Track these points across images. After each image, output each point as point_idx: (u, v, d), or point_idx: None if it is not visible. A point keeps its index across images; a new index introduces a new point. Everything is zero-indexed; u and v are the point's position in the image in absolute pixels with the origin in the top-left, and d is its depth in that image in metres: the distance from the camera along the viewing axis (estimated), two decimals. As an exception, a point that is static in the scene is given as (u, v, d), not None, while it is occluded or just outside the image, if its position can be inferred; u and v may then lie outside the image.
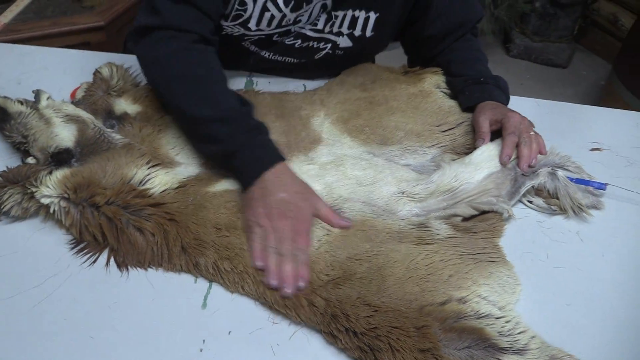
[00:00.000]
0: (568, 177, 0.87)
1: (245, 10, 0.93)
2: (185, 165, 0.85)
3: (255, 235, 0.73)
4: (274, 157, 0.80)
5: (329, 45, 1.02)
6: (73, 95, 0.98)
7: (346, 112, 0.97)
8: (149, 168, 0.81)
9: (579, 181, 0.88)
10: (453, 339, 0.64)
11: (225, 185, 0.81)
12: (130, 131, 0.89)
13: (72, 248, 0.75)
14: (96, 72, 0.98)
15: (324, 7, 0.95)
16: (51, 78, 1.07)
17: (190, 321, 0.67)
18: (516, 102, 1.01)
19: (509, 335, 0.65)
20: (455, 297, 0.68)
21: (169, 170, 0.82)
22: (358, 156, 0.89)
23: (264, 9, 0.92)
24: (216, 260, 0.71)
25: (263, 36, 0.99)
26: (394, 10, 1.00)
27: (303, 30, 0.99)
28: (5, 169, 0.80)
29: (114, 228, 0.74)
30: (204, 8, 0.88)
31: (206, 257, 0.71)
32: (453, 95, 1.03)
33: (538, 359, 0.63)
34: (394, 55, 1.28)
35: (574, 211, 0.85)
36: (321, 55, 1.04)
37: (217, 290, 0.71)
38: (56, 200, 0.75)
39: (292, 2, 0.92)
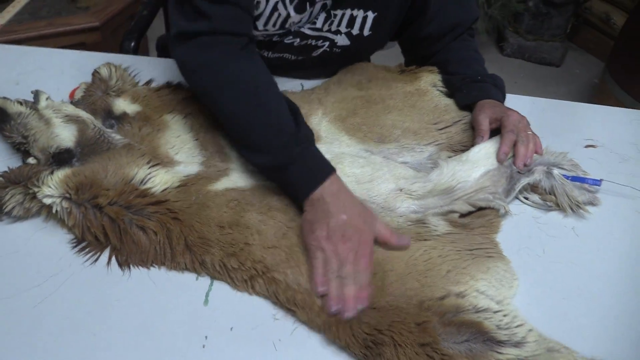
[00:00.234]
0: (563, 175, 0.88)
1: (257, 8, 0.93)
2: (185, 164, 0.85)
3: (317, 261, 0.71)
4: (327, 168, 0.78)
5: (327, 44, 1.03)
6: (72, 95, 0.98)
7: (344, 110, 0.97)
8: (149, 167, 0.81)
9: (574, 179, 0.89)
10: (452, 333, 0.65)
11: (226, 183, 0.82)
12: (129, 131, 0.89)
13: (74, 247, 0.75)
14: (95, 73, 0.98)
15: (323, 6, 0.96)
16: (49, 78, 1.08)
17: (192, 318, 0.67)
18: (511, 100, 1.02)
19: (506, 328, 0.66)
20: (453, 292, 0.69)
21: (169, 169, 0.83)
22: (356, 154, 0.90)
23: (274, 9, 0.93)
24: (222, 257, 0.71)
25: (265, 37, 1.00)
26: (392, 10, 1.01)
27: (302, 29, 1.00)
28: (6, 169, 0.80)
29: (117, 228, 0.75)
30: (243, 4, 0.85)
31: (212, 254, 0.72)
32: (449, 94, 1.05)
33: (535, 351, 0.64)
34: (390, 55, 1.29)
35: (571, 209, 0.86)
36: (319, 53, 1.05)
37: (219, 287, 0.71)
38: (58, 200, 0.75)
39: (298, 4, 0.92)
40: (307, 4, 0.93)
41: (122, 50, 1.27)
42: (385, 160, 0.89)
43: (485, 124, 0.91)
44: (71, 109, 0.88)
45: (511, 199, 0.87)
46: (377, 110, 0.98)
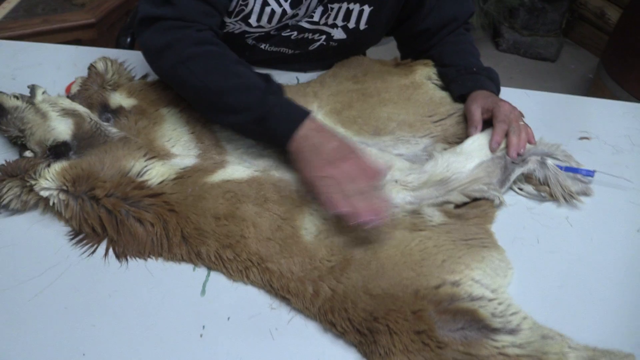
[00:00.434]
0: (557, 166, 0.89)
1: (246, 5, 0.94)
2: (181, 157, 0.86)
3: (328, 187, 0.74)
4: (303, 110, 0.82)
5: (324, 37, 1.03)
6: (68, 89, 0.99)
7: (339, 103, 0.98)
8: (146, 160, 0.82)
9: (567, 169, 0.90)
10: (447, 321, 0.65)
11: (222, 175, 0.82)
12: (125, 124, 0.90)
13: (71, 239, 0.75)
14: (91, 67, 0.98)
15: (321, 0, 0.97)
16: (45, 74, 1.08)
17: (190, 308, 0.68)
18: (506, 93, 1.03)
19: (501, 316, 0.67)
20: (449, 281, 0.70)
21: (166, 161, 0.83)
22: (352, 146, 0.90)
23: (265, 3, 0.94)
24: (218, 248, 0.72)
25: (263, 33, 1.00)
26: (388, 5, 1.02)
27: (299, 23, 1.00)
28: (3, 163, 0.80)
29: (114, 220, 0.75)
30: (214, 3, 0.89)
31: (208, 246, 0.72)
32: (444, 86, 1.05)
33: (530, 338, 0.65)
34: (385, 51, 1.30)
35: (564, 198, 0.87)
36: (315, 46, 1.05)
37: (216, 277, 0.72)
38: (55, 192, 0.76)
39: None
40: None
41: (118, 45, 1.27)
42: (380, 152, 0.90)
43: (477, 114, 0.91)
44: (67, 103, 0.88)
45: (505, 190, 0.88)
46: (372, 103, 0.99)
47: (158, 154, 0.85)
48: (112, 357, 0.62)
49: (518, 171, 0.87)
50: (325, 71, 1.09)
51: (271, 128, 0.81)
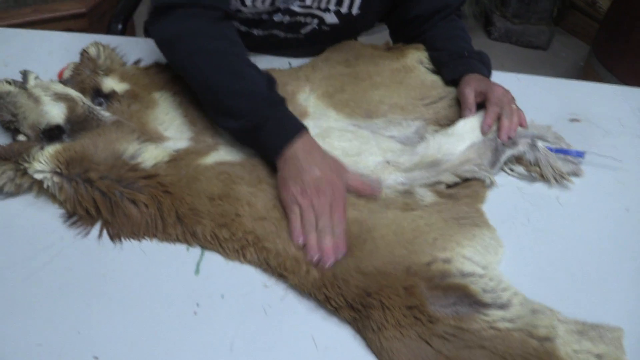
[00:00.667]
0: (547, 147, 0.90)
1: None
2: (174, 140, 0.86)
3: (294, 215, 0.74)
4: (298, 126, 0.81)
5: (316, 21, 1.04)
6: (61, 75, 0.99)
7: (331, 87, 0.99)
8: (139, 143, 0.82)
9: (558, 150, 0.91)
10: (439, 297, 0.66)
11: (215, 157, 0.83)
12: (118, 108, 0.90)
13: (65, 222, 0.76)
14: (83, 52, 0.98)
15: None
16: (37, 60, 1.08)
17: (184, 286, 0.68)
18: (498, 77, 1.03)
19: (492, 292, 0.68)
20: (440, 258, 0.70)
21: (159, 144, 0.84)
22: (344, 128, 0.91)
23: None
24: (213, 228, 0.72)
25: (254, 15, 1.00)
26: None
27: (291, 7, 1.00)
28: (-4, 146, 0.81)
29: (108, 201, 0.75)
30: None
31: (203, 225, 0.73)
32: (436, 70, 1.06)
33: (520, 312, 0.66)
34: (376, 40, 1.30)
35: (555, 179, 0.88)
36: (307, 30, 1.05)
37: (209, 257, 0.72)
38: (49, 175, 0.76)
39: None
40: None
41: (109, 32, 1.27)
42: (372, 134, 0.90)
43: (471, 97, 0.92)
44: (60, 88, 0.88)
45: (496, 171, 0.88)
46: (364, 87, 0.99)
47: (151, 137, 0.85)
48: (107, 334, 0.63)
49: (509, 153, 0.88)
50: (317, 56, 1.09)
51: (262, 140, 0.81)
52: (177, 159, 0.82)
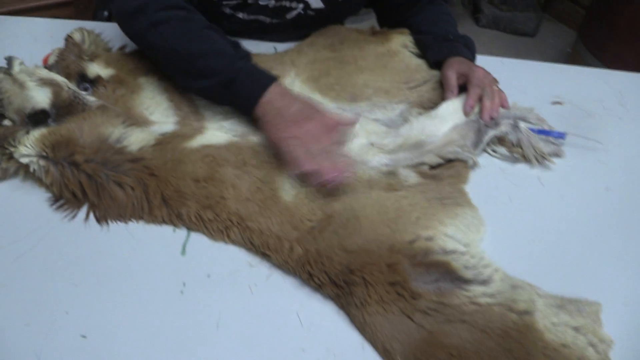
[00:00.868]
0: (529, 128, 0.91)
1: None
2: (160, 124, 0.87)
3: (295, 147, 0.76)
4: (270, 76, 0.84)
5: (301, 6, 1.04)
6: (46, 61, 0.98)
7: (316, 71, 0.99)
8: (125, 127, 0.83)
9: (540, 131, 0.92)
10: (421, 273, 0.67)
11: (201, 140, 0.83)
12: (104, 93, 0.90)
13: (52, 205, 0.76)
14: (68, 37, 0.98)
15: None
16: (22, 46, 1.07)
17: (170, 267, 0.69)
18: (482, 61, 1.04)
19: (473, 268, 0.69)
20: (423, 236, 0.72)
21: (145, 128, 0.84)
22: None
23: None
24: (198, 209, 0.73)
25: (240, 0, 1.01)
26: None
27: None
28: (-19, 131, 0.81)
29: (94, 184, 0.76)
30: None
31: (188, 207, 0.74)
32: (420, 54, 1.07)
33: (501, 288, 0.68)
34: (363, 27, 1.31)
35: (536, 159, 0.89)
36: (293, 15, 1.06)
37: (195, 238, 0.73)
38: (35, 159, 0.76)
39: None
40: None
41: (95, 19, 1.27)
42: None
43: (453, 79, 0.93)
44: (45, 73, 0.88)
45: (479, 152, 0.90)
46: (349, 71, 1.00)
47: (137, 121, 0.85)
48: (94, 314, 0.64)
49: (491, 134, 0.90)
50: (302, 41, 1.10)
51: (238, 92, 0.83)
52: (163, 142, 0.82)
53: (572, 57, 2.54)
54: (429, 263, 0.68)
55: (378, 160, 0.84)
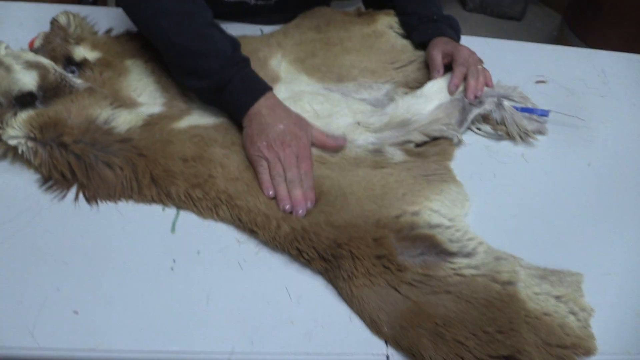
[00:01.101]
0: (513, 106, 0.92)
1: None
2: (147, 106, 0.87)
3: (262, 168, 0.77)
4: (263, 86, 0.83)
5: (287, -14, 1.04)
6: (31, 45, 0.98)
7: (302, 52, 1.00)
8: (112, 109, 0.83)
9: (523, 109, 0.94)
10: (407, 247, 0.69)
11: (188, 121, 0.84)
12: (91, 76, 0.90)
13: (41, 186, 0.77)
14: (53, 21, 0.98)
15: None
16: (7, 31, 1.07)
17: (160, 244, 0.70)
18: (467, 41, 1.05)
19: (458, 241, 0.71)
20: (409, 211, 0.73)
21: (132, 110, 0.85)
22: (315, 92, 0.92)
23: None
24: (187, 188, 0.74)
25: None
26: None
27: None
28: (-32, 114, 0.81)
29: (83, 165, 0.76)
30: None
31: (177, 186, 0.74)
32: (406, 35, 1.08)
33: (484, 260, 0.69)
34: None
35: (520, 137, 0.91)
36: (279, -5, 1.06)
37: (185, 216, 0.74)
38: (23, 140, 0.76)
39: None
40: None
41: (81, 3, 1.27)
42: (343, 97, 0.92)
43: (438, 59, 0.94)
44: (31, 56, 0.88)
45: (464, 130, 0.91)
46: (335, 52, 1.01)
47: (124, 103, 0.86)
48: (85, 290, 0.64)
49: (476, 112, 0.91)
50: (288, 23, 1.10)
51: (227, 99, 0.83)
52: (151, 123, 0.83)
53: (558, 40, 2.56)
54: (414, 237, 0.70)
55: (365, 138, 0.85)
